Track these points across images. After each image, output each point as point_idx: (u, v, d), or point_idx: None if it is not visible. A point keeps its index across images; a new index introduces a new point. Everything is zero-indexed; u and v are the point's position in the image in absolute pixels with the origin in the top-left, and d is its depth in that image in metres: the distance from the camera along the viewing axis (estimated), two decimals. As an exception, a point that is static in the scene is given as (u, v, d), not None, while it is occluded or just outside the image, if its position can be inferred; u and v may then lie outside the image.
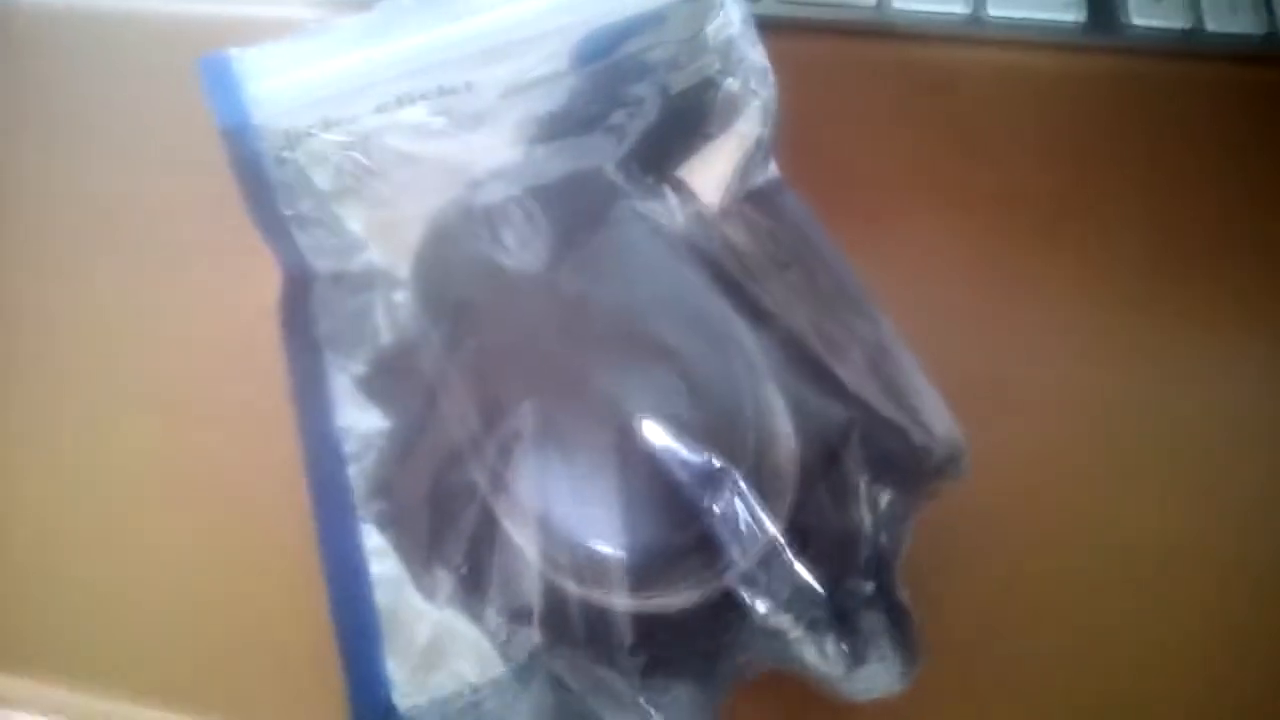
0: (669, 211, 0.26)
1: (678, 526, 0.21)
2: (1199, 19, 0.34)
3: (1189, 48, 0.34)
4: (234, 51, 0.27)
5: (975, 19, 0.34)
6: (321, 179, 0.26)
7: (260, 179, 0.26)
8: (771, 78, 0.27)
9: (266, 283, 0.26)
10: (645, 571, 0.21)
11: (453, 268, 0.25)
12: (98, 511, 0.26)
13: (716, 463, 0.21)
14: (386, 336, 0.25)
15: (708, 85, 0.27)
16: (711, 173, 0.27)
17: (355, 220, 0.26)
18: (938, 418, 0.23)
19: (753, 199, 0.27)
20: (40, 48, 0.35)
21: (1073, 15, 0.34)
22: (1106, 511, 0.26)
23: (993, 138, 0.32)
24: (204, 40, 0.33)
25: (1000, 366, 0.28)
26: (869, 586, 0.22)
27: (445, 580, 0.22)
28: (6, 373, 0.28)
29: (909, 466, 0.23)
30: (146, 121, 0.33)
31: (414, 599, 0.23)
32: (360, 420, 0.25)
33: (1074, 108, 0.33)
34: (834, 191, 0.28)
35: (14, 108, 0.33)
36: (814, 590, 0.21)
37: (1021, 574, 0.25)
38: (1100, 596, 0.25)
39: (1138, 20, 0.34)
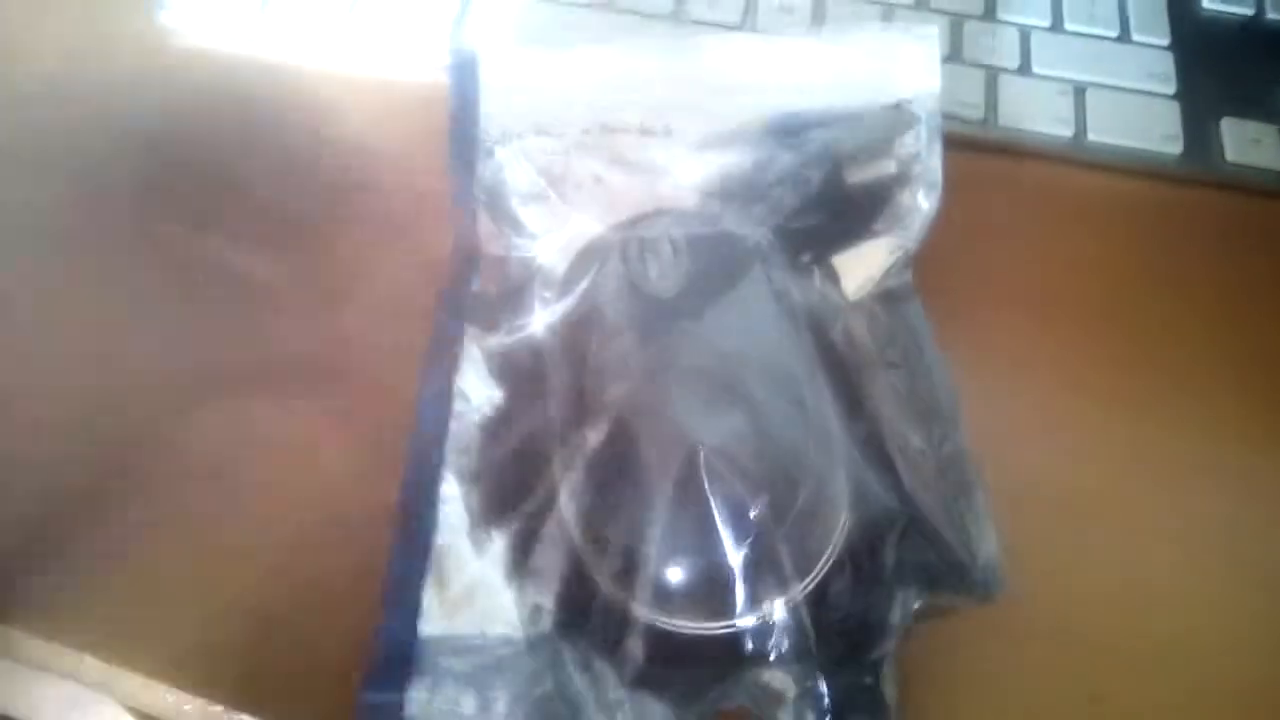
0: (807, 289, 0.28)
1: (710, 558, 0.23)
2: (1295, 161, 0.35)
3: (1284, 188, 0.35)
4: (482, 50, 0.30)
5: (1077, 142, 0.35)
6: (517, 176, 0.29)
7: (469, 162, 0.29)
8: (939, 196, 0.29)
9: (405, 336, 0.29)
10: (669, 588, 0.23)
11: (595, 277, 0.27)
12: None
13: (762, 513, 0.23)
14: (529, 326, 0.28)
15: (884, 188, 0.29)
16: (862, 267, 0.28)
17: (533, 219, 0.29)
18: (985, 544, 0.25)
19: (881, 298, 0.28)
20: (185, 87, 0.36)
21: (1170, 148, 0.35)
22: (1175, 637, 0.27)
23: (1089, 256, 0.34)
24: (338, 99, 0.35)
25: (1080, 479, 0.29)
26: (869, 679, 0.23)
27: (497, 540, 0.25)
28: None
29: (942, 579, 0.24)
30: (279, 170, 0.35)
31: (464, 547, 0.25)
32: (475, 386, 0.27)
33: (1169, 235, 0.34)
34: (935, 290, 0.30)
35: (158, 142, 0.35)
36: (817, 660, 0.23)
37: (1056, 692, 0.26)
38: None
39: (1233, 158, 0.35)
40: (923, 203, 0.29)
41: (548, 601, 0.24)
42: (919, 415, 0.27)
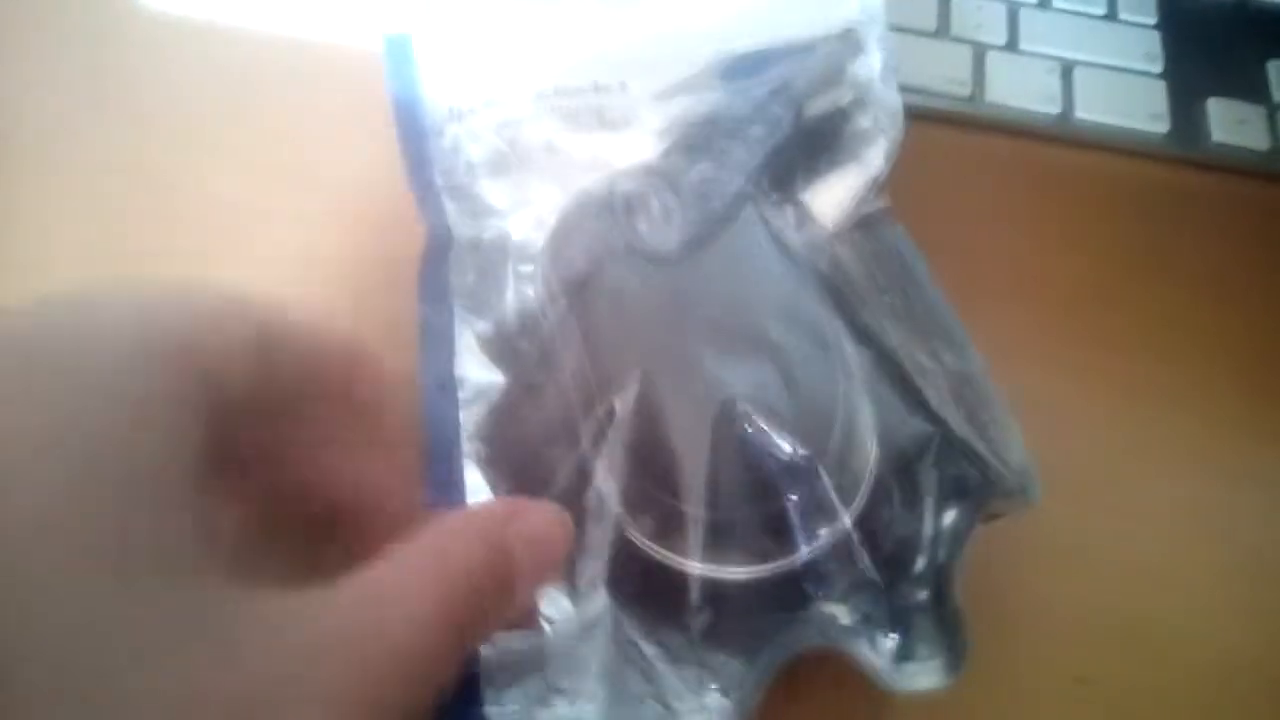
0: (788, 225, 0.27)
1: (757, 503, 0.23)
2: (1278, 141, 0.35)
3: (1268, 168, 0.35)
4: (415, 30, 0.29)
5: (1064, 120, 0.35)
6: (474, 153, 0.28)
7: (420, 147, 0.28)
8: (901, 119, 0.28)
9: (391, 305, 0.27)
10: (720, 540, 0.22)
11: (585, 243, 0.26)
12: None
13: (801, 452, 0.22)
14: (511, 303, 0.27)
15: (841, 116, 0.28)
16: (832, 198, 0.28)
17: (498, 195, 0.28)
18: (1014, 448, 0.24)
19: (861, 225, 0.28)
20: (159, 54, 0.35)
21: (1157, 127, 0.35)
22: (1161, 619, 0.27)
23: (1075, 233, 0.33)
24: (308, 63, 0.35)
25: (1064, 459, 0.27)
26: (923, 594, 0.23)
27: None
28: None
29: (978, 489, 0.24)
30: (258, 131, 0.34)
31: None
32: (476, 372, 0.26)
33: (1155, 213, 0.34)
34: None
35: (136, 108, 0.34)
36: (874, 585, 0.22)
37: (1043, 673, 0.26)
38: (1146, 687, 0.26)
39: (1219, 138, 0.35)
40: (884, 125, 0.28)
41: (598, 577, 0.23)
42: (923, 334, 0.26)
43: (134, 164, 0.33)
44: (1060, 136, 0.35)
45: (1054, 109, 0.35)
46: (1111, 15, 0.38)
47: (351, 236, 0.31)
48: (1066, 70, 0.36)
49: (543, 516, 0.21)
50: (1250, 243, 0.34)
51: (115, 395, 0.16)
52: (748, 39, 0.29)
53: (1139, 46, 0.37)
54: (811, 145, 0.28)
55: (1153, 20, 0.38)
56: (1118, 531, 0.28)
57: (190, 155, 0.33)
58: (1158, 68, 0.37)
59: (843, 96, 0.28)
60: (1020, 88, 0.35)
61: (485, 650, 0.22)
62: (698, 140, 0.28)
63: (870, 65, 0.29)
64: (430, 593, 0.17)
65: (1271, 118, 0.36)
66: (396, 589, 0.17)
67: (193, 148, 0.33)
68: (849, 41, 0.29)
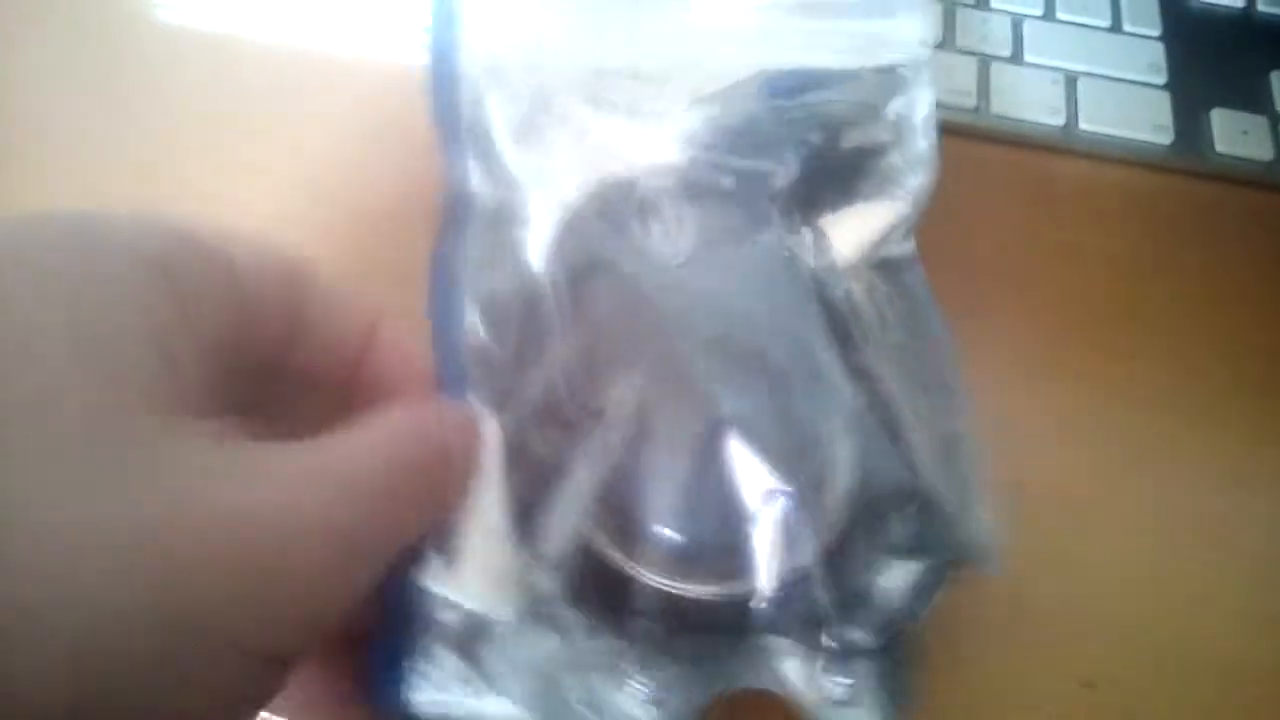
0: (805, 249, 0.27)
1: (724, 526, 0.23)
2: (1282, 152, 0.35)
3: (1272, 178, 0.35)
4: None
5: (1068, 131, 0.35)
6: (504, 119, 0.27)
7: (453, 103, 0.27)
8: (934, 164, 0.28)
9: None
10: (681, 555, 0.23)
11: (597, 236, 0.26)
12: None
13: (778, 482, 0.23)
14: (517, 277, 0.26)
15: (875, 152, 0.28)
16: (853, 231, 0.28)
17: (522, 165, 0.27)
18: (988, 514, 0.24)
19: (881, 266, 0.28)
20: (172, 65, 0.36)
21: (1160, 138, 0.35)
22: (1166, 624, 0.27)
23: (1079, 244, 0.33)
24: (315, 74, 0.35)
25: (1070, 465, 0.29)
26: (877, 642, 0.23)
27: (506, 503, 0.23)
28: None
29: (945, 550, 0.24)
30: (272, 141, 0.34)
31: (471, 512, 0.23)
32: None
33: (1158, 224, 0.34)
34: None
35: (149, 119, 0.34)
36: (827, 625, 0.22)
37: (1050, 677, 0.26)
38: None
39: (1222, 148, 0.35)
40: (916, 168, 0.28)
41: (555, 566, 0.23)
42: (922, 385, 0.26)
43: (146, 174, 0.33)
44: (1064, 147, 0.36)
45: (1058, 120, 0.36)
46: (1116, 27, 0.38)
47: (366, 243, 0.31)
48: (1071, 81, 0.36)
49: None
50: (1254, 253, 0.34)
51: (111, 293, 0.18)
52: (795, 58, 0.29)
53: (1143, 58, 0.37)
54: (841, 175, 0.28)
55: (1157, 31, 0.38)
56: (1121, 536, 0.28)
57: (202, 164, 0.33)
58: (1161, 79, 0.37)
59: (880, 133, 0.28)
60: (1025, 99, 0.36)
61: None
62: (726, 150, 0.28)
63: (911, 105, 0.29)
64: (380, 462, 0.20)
65: (1275, 129, 0.36)
66: (358, 452, 0.20)
67: (204, 157, 0.33)
68: (891, 78, 0.29)
